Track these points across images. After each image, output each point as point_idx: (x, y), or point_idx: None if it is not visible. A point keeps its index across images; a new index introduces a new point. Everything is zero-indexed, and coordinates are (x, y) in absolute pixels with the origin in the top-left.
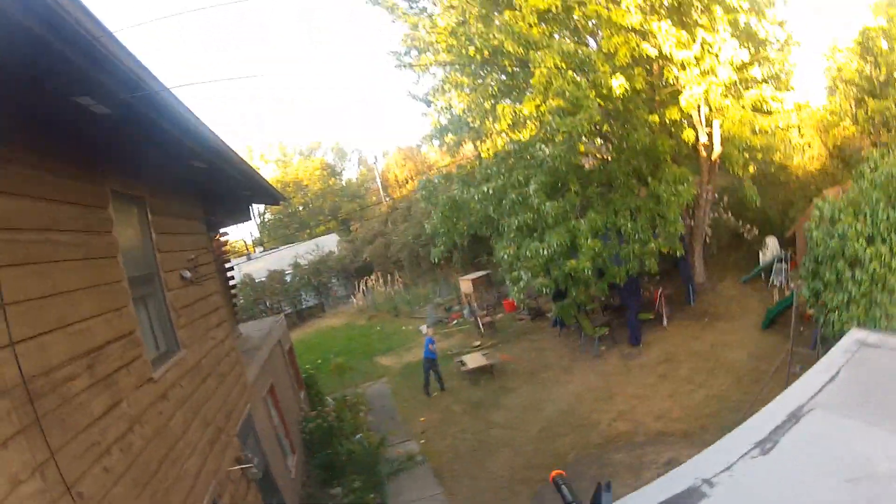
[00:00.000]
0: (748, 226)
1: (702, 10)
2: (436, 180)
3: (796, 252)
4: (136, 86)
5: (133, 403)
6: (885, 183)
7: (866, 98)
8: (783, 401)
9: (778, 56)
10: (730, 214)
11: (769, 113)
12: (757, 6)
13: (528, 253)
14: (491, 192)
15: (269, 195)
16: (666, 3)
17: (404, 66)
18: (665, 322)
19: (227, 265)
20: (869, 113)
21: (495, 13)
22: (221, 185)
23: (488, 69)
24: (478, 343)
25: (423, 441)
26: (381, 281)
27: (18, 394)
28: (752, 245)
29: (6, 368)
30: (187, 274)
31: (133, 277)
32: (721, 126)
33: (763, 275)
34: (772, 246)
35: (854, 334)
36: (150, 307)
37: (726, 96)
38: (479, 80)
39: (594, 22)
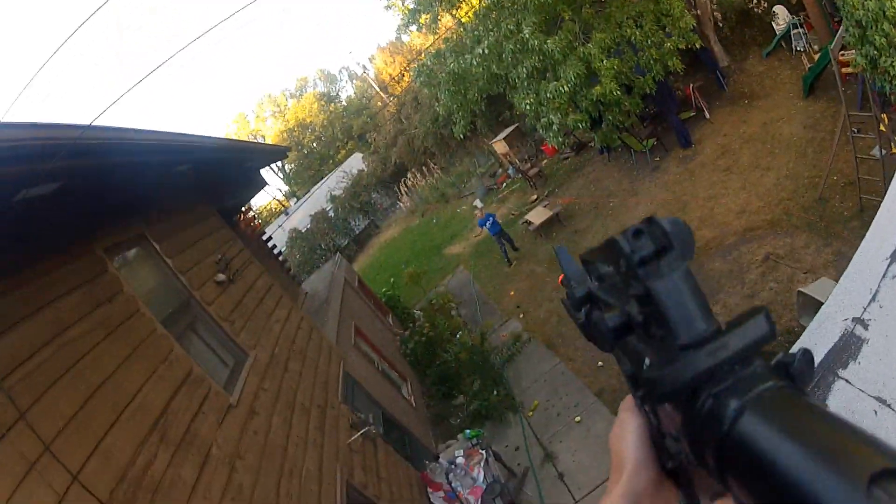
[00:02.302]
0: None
1: None
2: (428, 62)
3: (808, 15)
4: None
5: (224, 443)
6: None
7: None
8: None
9: None
10: None
11: None
12: None
13: (548, 95)
14: (486, 51)
15: (272, 154)
16: None
17: None
18: (707, 115)
19: (265, 237)
20: None
21: None
22: (218, 172)
23: None
24: (534, 197)
25: (521, 316)
26: (418, 176)
27: None
28: (761, 18)
29: None
30: (221, 277)
31: (168, 316)
32: None
33: (783, 44)
34: (781, 14)
35: None
36: (200, 331)
37: None
38: None
39: None
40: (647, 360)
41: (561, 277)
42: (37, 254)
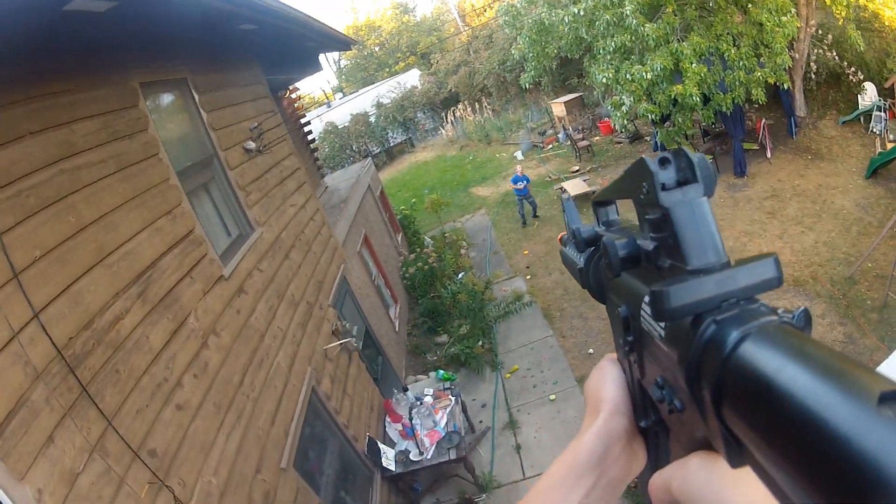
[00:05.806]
0: (852, 68)
1: None
2: (518, 4)
3: (894, 104)
4: None
5: (203, 314)
6: None
7: None
8: None
9: None
10: (834, 53)
11: None
12: None
13: (629, 76)
14: (581, 13)
15: (337, 42)
16: None
17: None
18: (769, 154)
19: (303, 120)
20: None
21: None
22: (280, 43)
23: None
24: (576, 168)
25: (528, 277)
26: (469, 110)
27: (55, 369)
28: (850, 88)
29: (35, 347)
30: (251, 145)
31: (185, 169)
32: None
33: (861, 119)
34: (870, 92)
35: None
36: (214, 193)
37: None
38: None
39: None
40: (646, 299)
41: (561, 235)
42: (69, 69)
